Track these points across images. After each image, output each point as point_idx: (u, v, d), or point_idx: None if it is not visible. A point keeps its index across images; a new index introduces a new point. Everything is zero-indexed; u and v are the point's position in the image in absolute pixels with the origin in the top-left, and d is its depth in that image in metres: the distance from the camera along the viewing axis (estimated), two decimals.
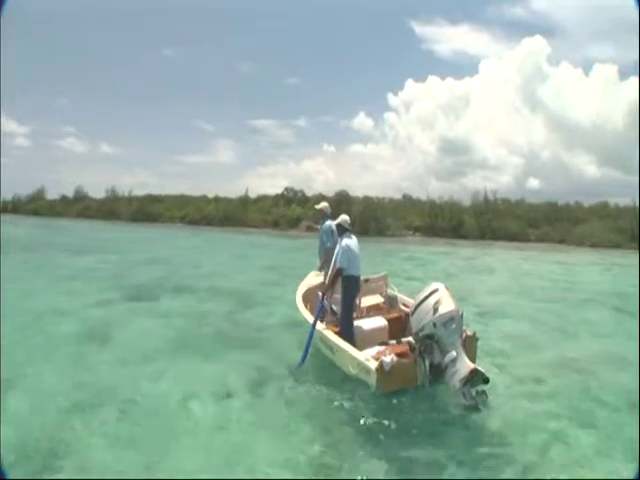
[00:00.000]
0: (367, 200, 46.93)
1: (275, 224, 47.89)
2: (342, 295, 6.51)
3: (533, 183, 58.52)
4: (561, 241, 39.06)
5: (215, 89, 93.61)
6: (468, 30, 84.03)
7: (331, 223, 8.00)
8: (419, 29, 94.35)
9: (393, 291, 7.67)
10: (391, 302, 7.51)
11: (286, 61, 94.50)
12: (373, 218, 40.19)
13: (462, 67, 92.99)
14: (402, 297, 7.50)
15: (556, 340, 8.47)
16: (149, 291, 11.94)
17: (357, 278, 6.54)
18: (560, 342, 8.35)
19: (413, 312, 5.19)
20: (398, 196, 52.04)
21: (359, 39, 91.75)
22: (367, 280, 7.37)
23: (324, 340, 6.27)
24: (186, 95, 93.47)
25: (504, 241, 39.57)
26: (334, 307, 6.81)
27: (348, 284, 6.45)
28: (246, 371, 6.22)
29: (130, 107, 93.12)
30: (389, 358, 5.00)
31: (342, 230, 6.71)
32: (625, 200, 44.07)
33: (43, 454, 3.96)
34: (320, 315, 6.59)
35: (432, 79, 75.45)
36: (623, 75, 75.42)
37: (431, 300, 4.94)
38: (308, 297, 7.73)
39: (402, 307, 7.34)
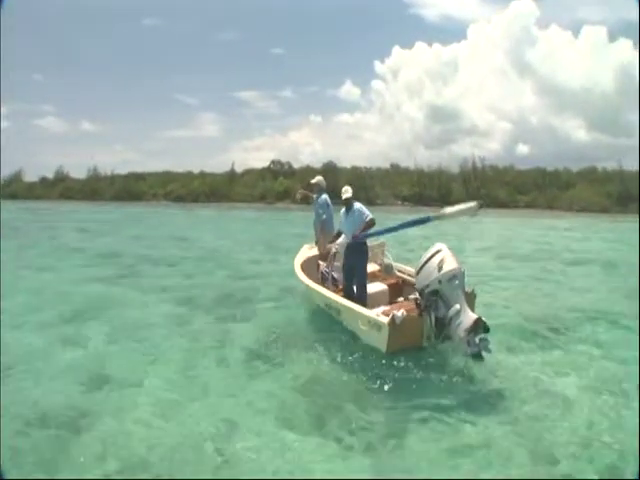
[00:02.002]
0: (355, 170, 46.46)
1: (262, 198, 47.36)
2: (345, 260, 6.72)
3: (522, 149, 58.20)
4: (550, 207, 39.03)
5: (196, 60, 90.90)
6: None
7: (326, 197, 8.30)
8: None
9: (389, 259, 7.86)
10: (387, 270, 7.70)
11: (269, 30, 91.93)
12: (362, 188, 39.71)
13: (450, 32, 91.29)
14: (397, 265, 7.70)
15: (545, 297, 8.76)
16: (142, 267, 11.94)
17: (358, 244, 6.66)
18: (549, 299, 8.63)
19: (418, 271, 5.45)
20: (386, 165, 51.66)
21: (344, 5, 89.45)
22: None
23: (330, 304, 6.47)
24: (167, 67, 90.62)
25: (493, 208, 39.42)
26: (334, 274, 7.07)
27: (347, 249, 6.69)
28: (250, 340, 6.21)
29: (110, 81, 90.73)
30: (400, 312, 5.25)
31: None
32: (613, 164, 44.10)
33: (41, 454, 3.76)
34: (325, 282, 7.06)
35: (419, 45, 74.20)
36: (612, 37, 74.71)
37: (435, 259, 5.24)
38: (305, 267, 7.92)
39: (398, 274, 7.51)
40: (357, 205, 6.56)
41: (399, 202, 43.10)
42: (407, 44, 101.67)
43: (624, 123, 54.30)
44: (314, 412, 4.39)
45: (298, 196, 9.42)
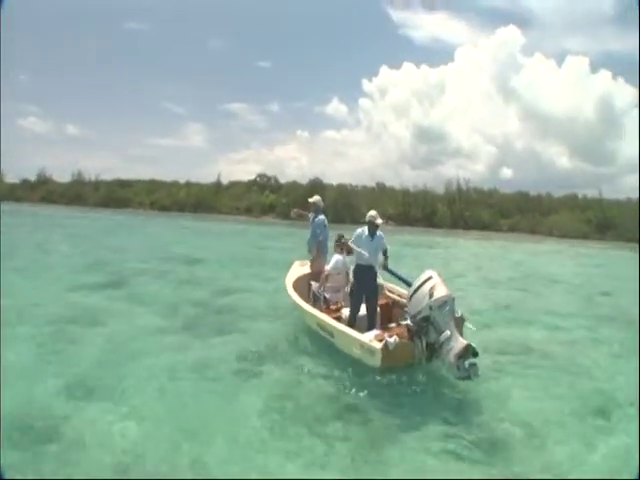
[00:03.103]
0: (341, 188, 46.75)
1: (248, 211, 47.31)
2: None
3: (506, 173, 59.37)
4: (532, 231, 39.71)
5: (185, 70, 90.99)
6: (445, 17, 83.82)
7: (324, 218, 8.44)
8: (396, 14, 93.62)
9: (379, 279, 7.87)
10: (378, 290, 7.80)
11: (258, 43, 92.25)
12: (347, 206, 39.97)
13: (438, 54, 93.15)
14: (387, 285, 7.75)
15: (528, 321, 9.02)
16: (131, 278, 11.82)
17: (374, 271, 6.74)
18: (532, 323, 8.91)
19: (410, 297, 5.67)
20: (372, 184, 52.07)
21: (334, 23, 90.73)
22: None
23: (323, 325, 6.57)
24: (155, 74, 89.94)
25: (476, 230, 39.97)
26: (326, 295, 7.33)
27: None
28: (238, 355, 6.27)
29: (97, 86, 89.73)
30: (393, 339, 5.39)
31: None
32: (593, 192, 45.21)
33: (40, 453, 3.86)
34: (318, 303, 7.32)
35: (407, 66, 75.03)
36: (594, 68, 76.93)
37: (427, 286, 5.45)
38: (296, 285, 7.98)
39: (388, 294, 7.64)
40: (379, 232, 6.69)
41: (384, 221, 43.39)
42: (395, 64, 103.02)
43: (604, 152, 55.93)
44: (300, 425, 4.47)
45: (293, 215, 9.39)
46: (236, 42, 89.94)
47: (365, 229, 6.60)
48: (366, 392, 5.14)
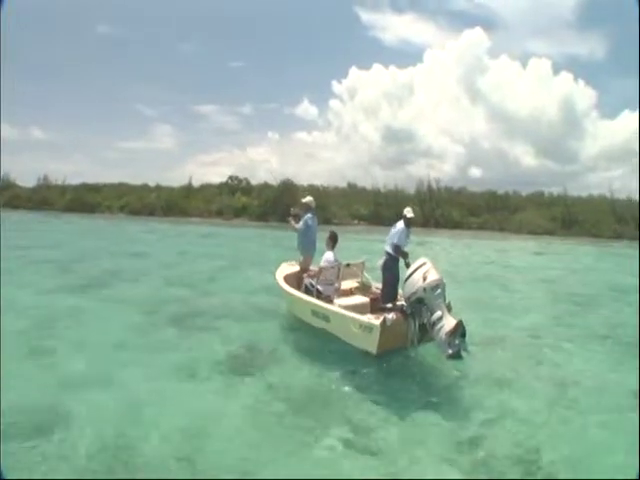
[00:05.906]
0: (312, 189, 46.79)
1: (219, 213, 46.87)
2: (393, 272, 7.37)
3: (475, 172, 60.27)
4: (501, 229, 40.55)
5: (155, 71, 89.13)
6: (413, 19, 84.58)
7: (311, 215, 8.87)
8: (365, 16, 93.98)
9: (367, 277, 8.42)
10: (365, 287, 8.35)
11: (228, 45, 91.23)
12: (318, 207, 40.04)
13: (406, 56, 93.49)
14: (375, 283, 8.34)
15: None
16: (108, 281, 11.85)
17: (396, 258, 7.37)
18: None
19: (405, 281, 6.11)
20: (343, 184, 52.24)
21: (304, 24, 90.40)
22: (348, 265, 8.24)
23: (318, 310, 7.00)
24: (124, 77, 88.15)
25: (446, 229, 40.58)
26: (320, 287, 7.67)
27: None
28: (230, 353, 6.47)
29: (63, 88, 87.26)
30: (391, 315, 5.98)
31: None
32: (558, 189, 46.49)
33: (40, 453, 3.91)
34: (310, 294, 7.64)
35: (376, 67, 75.19)
36: (556, 70, 78.98)
37: (421, 271, 5.90)
38: (286, 281, 8.39)
39: (375, 290, 8.03)
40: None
41: (355, 221, 43.67)
42: (365, 66, 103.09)
43: (567, 151, 57.67)
44: (296, 414, 4.66)
45: (293, 213, 9.68)
46: (206, 43, 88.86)
47: (401, 223, 7.24)
48: (361, 380, 5.46)
